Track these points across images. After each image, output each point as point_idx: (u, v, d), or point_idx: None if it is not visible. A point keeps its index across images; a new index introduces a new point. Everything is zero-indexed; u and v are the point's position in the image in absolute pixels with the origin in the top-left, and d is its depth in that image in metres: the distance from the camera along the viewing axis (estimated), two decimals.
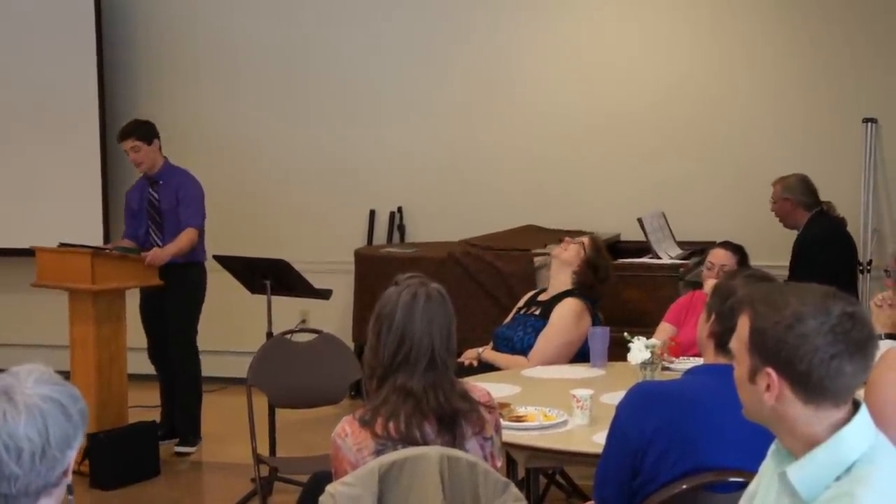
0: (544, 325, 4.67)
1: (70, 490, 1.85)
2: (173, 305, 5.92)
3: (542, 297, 4.85)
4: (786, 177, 6.00)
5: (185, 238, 5.83)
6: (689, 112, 6.93)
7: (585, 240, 4.88)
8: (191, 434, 6.00)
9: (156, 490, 5.44)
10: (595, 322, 4.72)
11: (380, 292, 2.79)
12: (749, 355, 1.92)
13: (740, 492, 2.18)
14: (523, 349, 4.66)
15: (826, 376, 1.84)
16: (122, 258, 5.58)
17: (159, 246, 5.84)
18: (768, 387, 1.89)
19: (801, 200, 5.95)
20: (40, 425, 1.74)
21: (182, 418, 6.01)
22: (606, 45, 7.06)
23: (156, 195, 5.96)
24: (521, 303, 4.99)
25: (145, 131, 5.94)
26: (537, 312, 4.78)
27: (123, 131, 5.97)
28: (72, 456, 1.80)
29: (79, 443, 1.81)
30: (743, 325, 1.95)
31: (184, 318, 5.97)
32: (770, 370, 1.88)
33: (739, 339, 1.95)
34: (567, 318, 4.65)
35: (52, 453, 1.75)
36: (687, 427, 2.57)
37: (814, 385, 1.85)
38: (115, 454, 5.37)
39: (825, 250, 5.84)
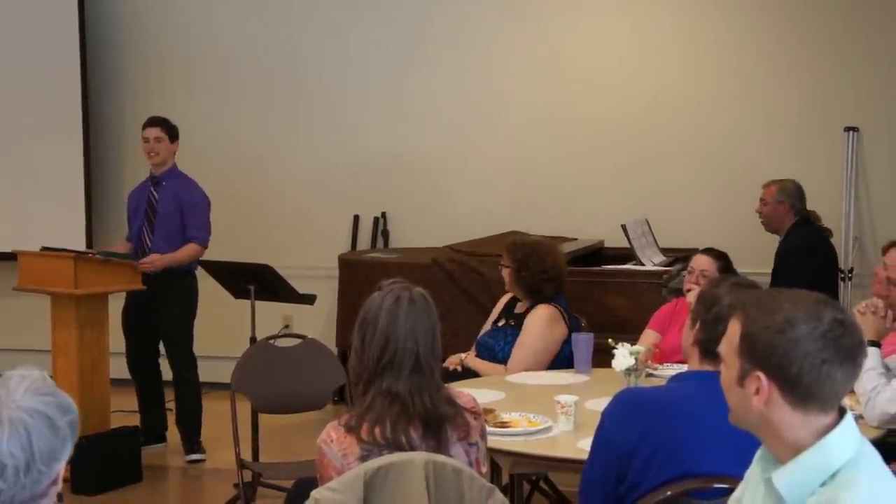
0: None
1: (60, 498, 1.83)
2: (169, 315, 5.90)
3: (518, 309, 4.85)
4: (782, 180, 6.04)
5: (187, 252, 5.85)
6: (673, 120, 6.95)
7: (502, 256, 4.88)
8: (197, 441, 5.96)
9: (139, 495, 5.42)
10: (575, 327, 4.73)
11: (364, 298, 2.79)
12: (739, 359, 1.93)
13: (725, 498, 2.19)
14: (504, 359, 4.67)
15: (816, 381, 1.86)
16: (106, 262, 5.55)
17: (148, 247, 5.85)
18: (757, 391, 1.90)
19: (794, 205, 5.99)
20: (24, 441, 1.72)
21: (187, 428, 5.97)
22: (593, 52, 7.08)
23: (156, 195, 5.95)
24: (496, 310, 4.99)
25: (173, 129, 6.00)
26: (513, 323, 4.79)
27: (155, 119, 5.99)
28: (59, 468, 1.78)
29: (68, 454, 1.78)
30: (734, 328, 1.96)
31: (181, 328, 5.95)
32: (760, 374, 1.89)
33: (729, 343, 1.96)
34: (540, 324, 4.66)
35: (37, 468, 1.73)
36: (672, 433, 2.58)
37: (803, 390, 1.86)
38: (98, 459, 5.34)
39: (808, 259, 5.87)
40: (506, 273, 4.81)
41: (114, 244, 6.21)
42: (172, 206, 5.91)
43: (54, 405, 1.77)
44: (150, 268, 5.69)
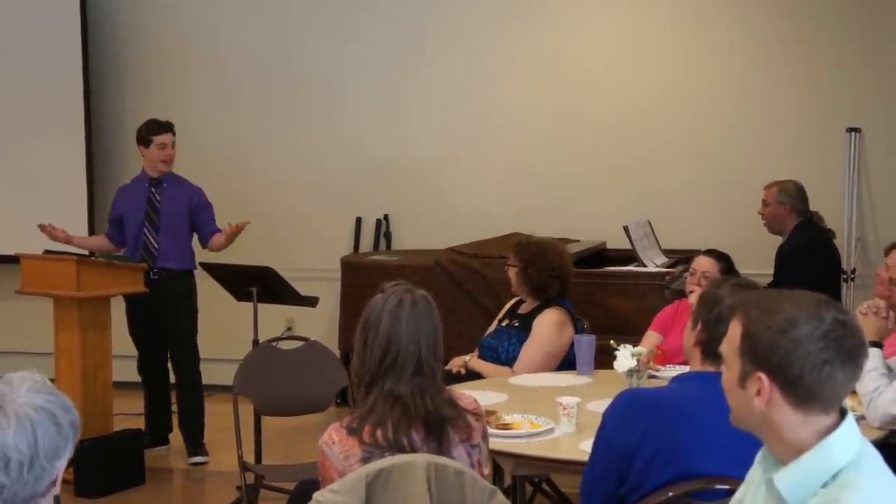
0: (527, 336, 4.68)
1: (57, 501, 1.84)
2: (177, 313, 5.90)
3: (521, 310, 4.84)
4: (782, 181, 6.03)
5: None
6: (675, 121, 6.95)
7: (509, 256, 4.88)
8: (200, 443, 5.97)
9: (141, 498, 5.42)
10: (579, 329, 4.73)
11: (366, 300, 2.79)
12: (740, 359, 1.93)
13: (727, 499, 2.19)
14: (508, 360, 4.67)
15: (817, 382, 1.85)
16: (108, 265, 5.56)
17: (154, 248, 5.85)
18: (759, 391, 1.89)
19: (795, 206, 5.99)
20: (30, 435, 1.73)
21: (190, 430, 5.97)
22: (593, 53, 7.08)
23: (157, 196, 5.95)
24: (502, 313, 4.99)
25: None
26: (517, 324, 4.78)
27: (167, 124, 5.97)
28: (60, 467, 1.79)
29: (69, 454, 1.79)
30: (735, 329, 1.95)
31: (188, 326, 5.96)
32: (761, 374, 1.89)
33: (731, 344, 1.96)
34: (549, 328, 4.65)
35: (41, 464, 1.74)
36: (673, 434, 2.58)
37: (804, 390, 1.86)
38: (101, 462, 5.34)
39: (810, 259, 5.87)
40: (512, 272, 4.81)
41: (99, 235, 6.22)
42: (181, 208, 5.92)
43: (57, 403, 1.78)
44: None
